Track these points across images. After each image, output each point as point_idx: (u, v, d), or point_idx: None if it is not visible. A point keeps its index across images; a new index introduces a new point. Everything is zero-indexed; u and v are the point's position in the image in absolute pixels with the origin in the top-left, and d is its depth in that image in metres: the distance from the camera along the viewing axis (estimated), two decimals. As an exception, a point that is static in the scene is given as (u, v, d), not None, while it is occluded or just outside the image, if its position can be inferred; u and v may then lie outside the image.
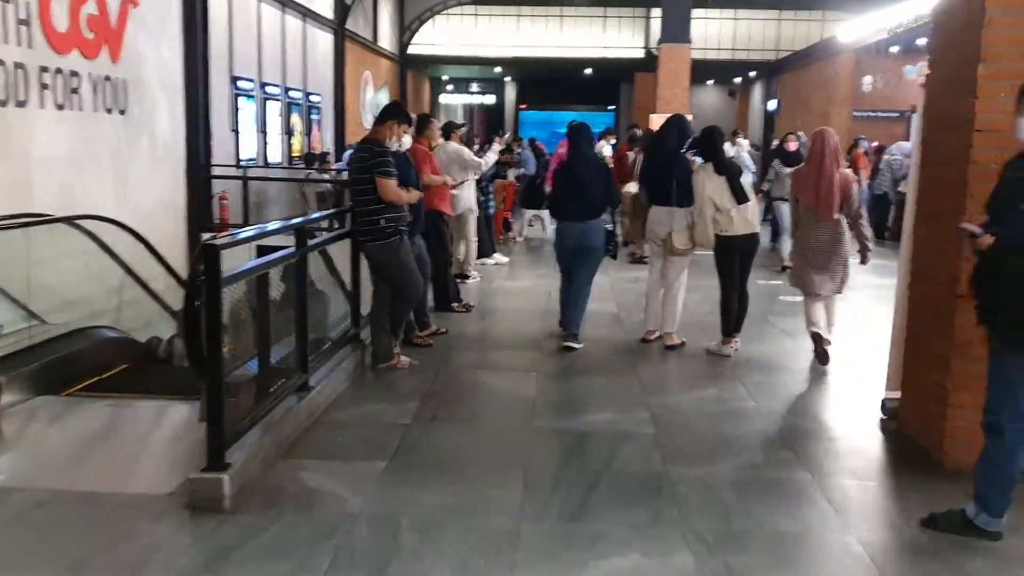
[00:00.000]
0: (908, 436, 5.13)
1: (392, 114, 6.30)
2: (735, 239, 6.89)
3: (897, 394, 5.41)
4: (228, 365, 4.54)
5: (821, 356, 6.65)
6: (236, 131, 15.66)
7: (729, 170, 6.93)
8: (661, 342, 7.27)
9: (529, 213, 14.75)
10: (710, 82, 37.10)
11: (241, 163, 15.57)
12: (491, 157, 10.46)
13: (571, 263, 7.28)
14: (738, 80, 37.21)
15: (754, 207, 7.02)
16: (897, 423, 5.30)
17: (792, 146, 11.54)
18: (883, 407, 5.51)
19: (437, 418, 5.32)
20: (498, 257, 11.94)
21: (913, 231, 5.23)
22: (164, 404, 5.54)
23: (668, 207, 7.14)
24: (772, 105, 32.00)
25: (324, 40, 20.91)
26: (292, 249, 5.03)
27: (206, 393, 4.13)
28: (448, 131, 9.70)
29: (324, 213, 5.89)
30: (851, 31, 21.30)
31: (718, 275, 7.11)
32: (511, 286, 10.26)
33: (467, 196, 10.05)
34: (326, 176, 15.32)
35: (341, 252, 6.57)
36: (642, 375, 6.43)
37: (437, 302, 8.42)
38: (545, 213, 14.68)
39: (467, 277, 10.30)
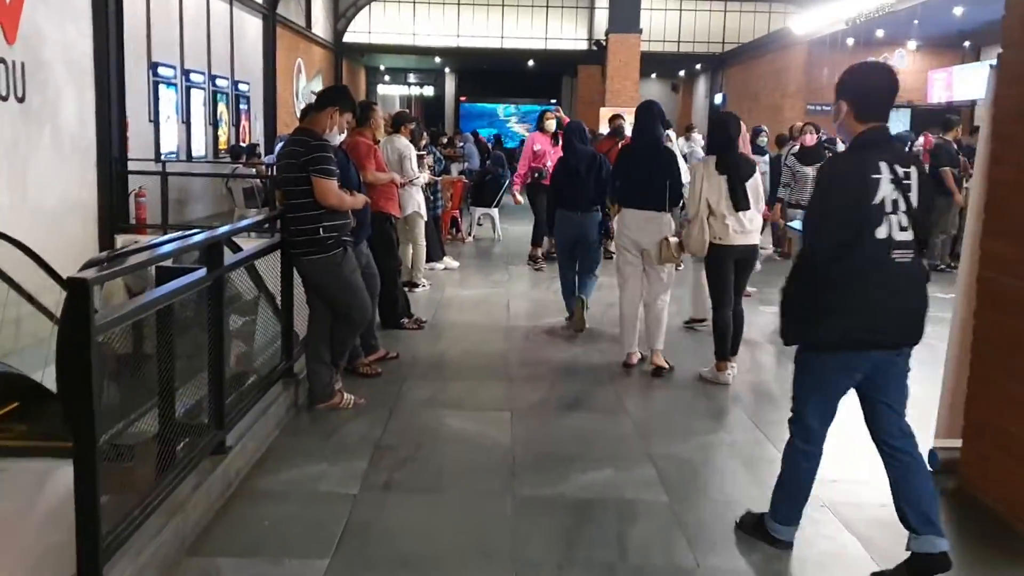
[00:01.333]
0: (975, 497, 4.19)
1: (334, 99, 5.13)
2: (728, 249, 5.88)
3: (953, 443, 4.47)
4: (112, 424, 3.43)
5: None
6: (155, 121, 14.30)
7: (736, 169, 5.82)
8: (645, 364, 6.28)
9: (478, 212, 13.64)
10: (653, 75, 36.29)
11: (161, 156, 14.21)
12: (424, 178, 9.14)
13: (571, 256, 7.49)
14: (682, 74, 36.53)
15: (754, 215, 5.94)
16: (958, 481, 4.35)
17: (810, 140, 9.79)
18: (932, 459, 4.55)
19: (392, 485, 4.18)
20: (448, 261, 10.82)
21: (980, 246, 4.27)
22: (47, 465, 4.30)
23: (651, 211, 6.19)
24: (719, 99, 31.35)
25: (253, 25, 19.54)
26: (201, 271, 3.86)
27: (75, 476, 2.97)
28: (399, 124, 8.54)
29: (239, 225, 4.64)
30: (806, 22, 20.57)
31: (708, 289, 6.13)
32: (465, 295, 9.16)
33: (415, 196, 8.93)
34: (254, 171, 14.00)
35: (269, 264, 5.40)
36: (633, 412, 5.40)
37: (385, 318, 7.29)
38: (495, 211, 13.71)
39: (416, 285, 9.18)
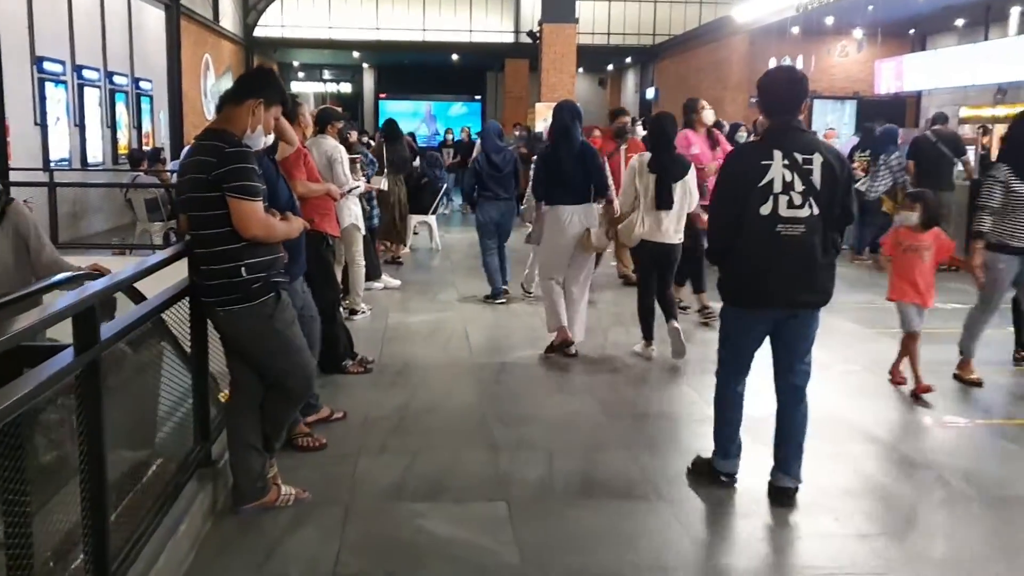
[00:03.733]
0: None
1: (257, 88, 3.69)
2: (645, 244, 6.38)
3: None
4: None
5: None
6: (43, 125, 12.54)
7: (664, 170, 6.26)
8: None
9: (414, 220, 12.23)
10: (580, 70, 35.21)
11: (50, 164, 12.47)
12: (361, 186, 7.77)
13: (494, 235, 8.65)
14: (610, 68, 35.56)
15: (679, 215, 6.34)
16: None
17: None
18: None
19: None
20: (387, 279, 9.44)
21: None
22: None
23: (584, 204, 6.50)
24: (650, 93, 30.44)
25: (155, 17, 17.75)
26: (66, 356, 2.46)
27: None
28: (325, 122, 7.08)
29: (117, 279, 3.12)
30: (750, 10, 19.60)
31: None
32: (413, 323, 7.79)
33: (351, 206, 7.55)
34: (157, 179, 12.34)
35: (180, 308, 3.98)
36: (668, 494, 4.12)
37: (323, 362, 5.87)
38: (432, 219, 12.39)
39: (355, 312, 7.80)
